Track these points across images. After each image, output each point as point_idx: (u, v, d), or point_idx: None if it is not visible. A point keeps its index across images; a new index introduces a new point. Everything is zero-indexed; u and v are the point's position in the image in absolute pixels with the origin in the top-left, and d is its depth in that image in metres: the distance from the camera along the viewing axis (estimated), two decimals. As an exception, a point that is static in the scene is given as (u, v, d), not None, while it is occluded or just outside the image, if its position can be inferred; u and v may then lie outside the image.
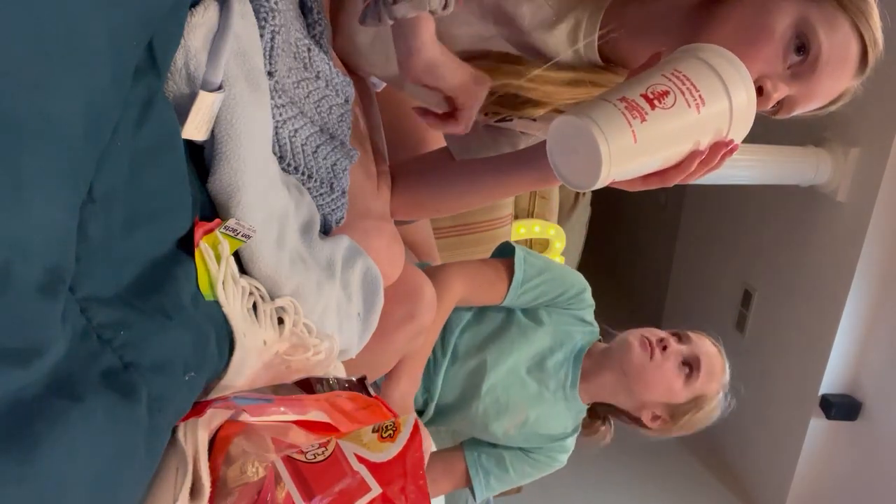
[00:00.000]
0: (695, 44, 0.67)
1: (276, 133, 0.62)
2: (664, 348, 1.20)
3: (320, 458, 0.54)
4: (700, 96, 0.62)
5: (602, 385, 1.24)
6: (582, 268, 1.67)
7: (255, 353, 0.54)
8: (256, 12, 0.57)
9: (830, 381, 2.43)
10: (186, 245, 0.48)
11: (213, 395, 0.52)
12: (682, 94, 0.62)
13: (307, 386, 0.65)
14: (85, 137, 0.33)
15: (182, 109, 0.47)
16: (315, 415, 0.58)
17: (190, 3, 0.48)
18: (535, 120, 0.92)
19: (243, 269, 0.55)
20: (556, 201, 2.03)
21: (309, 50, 0.68)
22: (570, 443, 1.28)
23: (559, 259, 2.01)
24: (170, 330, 0.43)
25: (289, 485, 0.51)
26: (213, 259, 0.49)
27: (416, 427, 0.58)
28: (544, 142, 0.84)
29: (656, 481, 2.87)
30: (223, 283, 0.50)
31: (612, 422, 1.33)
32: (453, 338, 1.23)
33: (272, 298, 0.57)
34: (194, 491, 0.46)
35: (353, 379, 0.70)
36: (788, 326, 2.61)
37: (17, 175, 0.30)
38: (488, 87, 0.81)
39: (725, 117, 0.64)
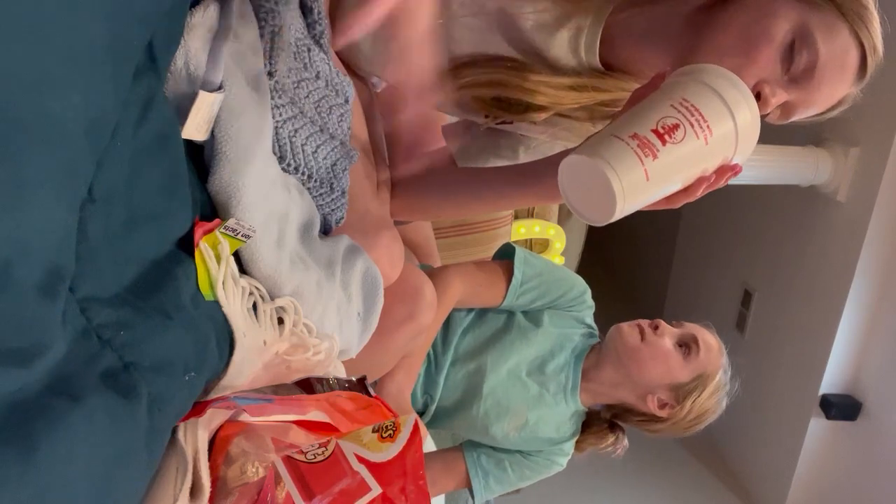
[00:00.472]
0: (698, 65, 0.67)
1: (276, 133, 0.61)
2: (656, 328, 1.20)
3: (320, 458, 0.54)
4: (708, 126, 0.63)
5: (602, 381, 1.24)
6: (582, 268, 1.67)
7: (255, 353, 0.54)
8: (256, 12, 0.57)
9: (830, 381, 2.43)
10: (186, 245, 0.48)
11: (213, 395, 0.52)
12: (692, 125, 0.63)
13: (307, 386, 0.65)
14: (85, 137, 0.33)
15: (182, 109, 0.47)
16: (315, 415, 0.58)
17: (190, 3, 0.48)
18: (535, 122, 0.92)
19: (243, 269, 0.55)
20: (556, 201, 2.03)
21: (309, 50, 0.68)
22: (570, 446, 1.28)
23: (559, 259, 2.01)
24: (170, 330, 0.43)
25: (289, 485, 0.51)
26: (213, 259, 0.49)
27: (416, 427, 0.58)
28: (547, 159, 0.84)
29: (656, 481, 2.87)
30: (223, 283, 0.50)
31: (623, 430, 1.31)
32: (454, 339, 1.23)
33: (272, 298, 0.57)
34: (194, 491, 0.46)
35: (353, 379, 0.70)
36: (788, 326, 2.61)
37: (17, 175, 0.30)
38: None
39: (731, 142, 0.66)
